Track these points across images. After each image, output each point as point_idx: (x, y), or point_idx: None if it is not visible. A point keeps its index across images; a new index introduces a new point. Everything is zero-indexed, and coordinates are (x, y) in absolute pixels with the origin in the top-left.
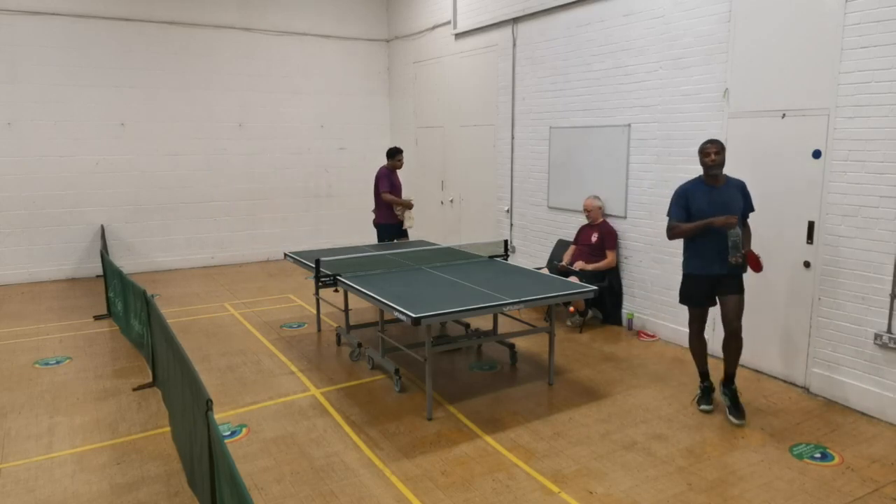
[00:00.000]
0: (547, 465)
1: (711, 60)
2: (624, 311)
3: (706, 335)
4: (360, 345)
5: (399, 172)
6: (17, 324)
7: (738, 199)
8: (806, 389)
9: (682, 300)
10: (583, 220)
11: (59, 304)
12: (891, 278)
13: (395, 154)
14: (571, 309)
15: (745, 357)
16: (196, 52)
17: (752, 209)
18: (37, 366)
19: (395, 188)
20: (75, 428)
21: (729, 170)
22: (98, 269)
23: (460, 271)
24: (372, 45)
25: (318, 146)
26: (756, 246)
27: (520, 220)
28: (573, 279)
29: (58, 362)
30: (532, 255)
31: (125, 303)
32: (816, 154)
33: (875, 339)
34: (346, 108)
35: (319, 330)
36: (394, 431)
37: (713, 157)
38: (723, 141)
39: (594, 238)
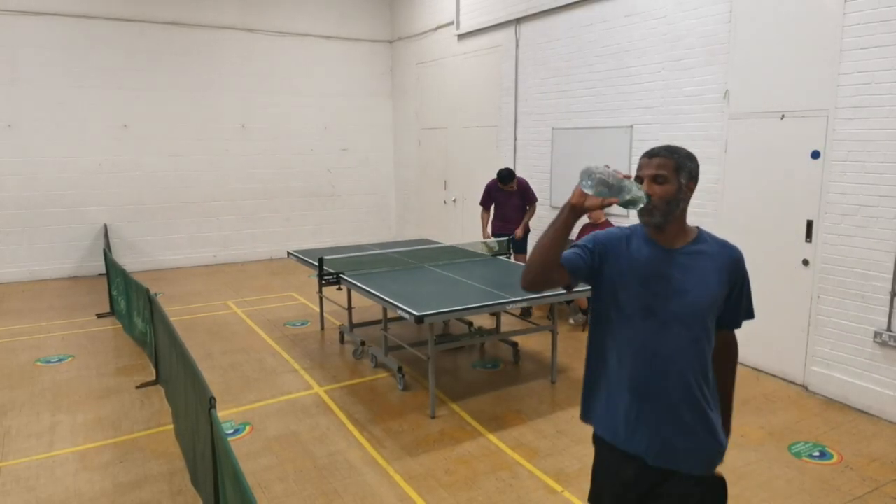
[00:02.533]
0: (550, 463)
1: (713, 61)
2: None
3: None
4: (363, 343)
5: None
6: (18, 322)
7: (709, 282)
8: (805, 388)
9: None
10: (585, 219)
11: (61, 302)
12: (891, 276)
13: (506, 180)
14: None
15: (744, 355)
16: (198, 53)
17: (748, 314)
18: (38, 364)
19: (496, 204)
20: (77, 426)
21: (728, 170)
22: (100, 267)
23: (463, 270)
24: (375, 46)
25: (321, 147)
26: (753, 243)
27: None
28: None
29: (60, 360)
30: None
31: (128, 301)
32: (815, 155)
33: (875, 336)
34: (349, 109)
35: (322, 328)
36: (397, 430)
37: (653, 187)
38: (723, 142)
39: None
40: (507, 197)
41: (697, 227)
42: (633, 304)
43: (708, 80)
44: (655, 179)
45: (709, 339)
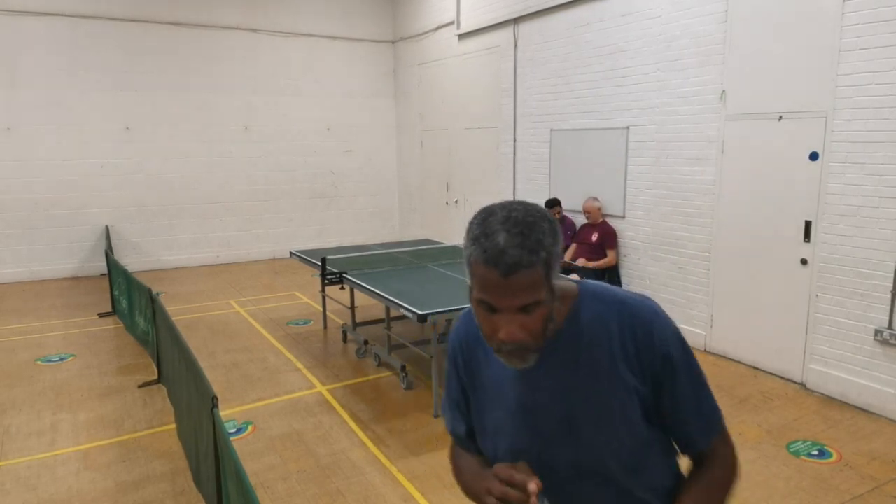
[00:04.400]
0: None
1: (708, 62)
2: None
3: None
4: (366, 342)
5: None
6: (19, 321)
7: (611, 389)
8: (803, 385)
9: None
10: (584, 220)
11: (63, 302)
12: (891, 275)
13: (547, 206)
14: None
15: (742, 353)
16: (201, 54)
17: (711, 426)
18: (39, 363)
19: None
20: (79, 425)
21: (725, 171)
22: (102, 267)
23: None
24: (378, 47)
25: (325, 148)
26: (750, 243)
27: None
28: (575, 276)
29: (61, 359)
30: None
31: (130, 300)
32: (813, 156)
33: (875, 335)
34: (352, 110)
35: (325, 327)
36: (400, 429)
37: (522, 322)
38: (720, 143)
39: (594, 237)
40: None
41: (575, 285)
42: (509, 439)
43: (704, 81)
44: (522, 310)
45: (652, 485)
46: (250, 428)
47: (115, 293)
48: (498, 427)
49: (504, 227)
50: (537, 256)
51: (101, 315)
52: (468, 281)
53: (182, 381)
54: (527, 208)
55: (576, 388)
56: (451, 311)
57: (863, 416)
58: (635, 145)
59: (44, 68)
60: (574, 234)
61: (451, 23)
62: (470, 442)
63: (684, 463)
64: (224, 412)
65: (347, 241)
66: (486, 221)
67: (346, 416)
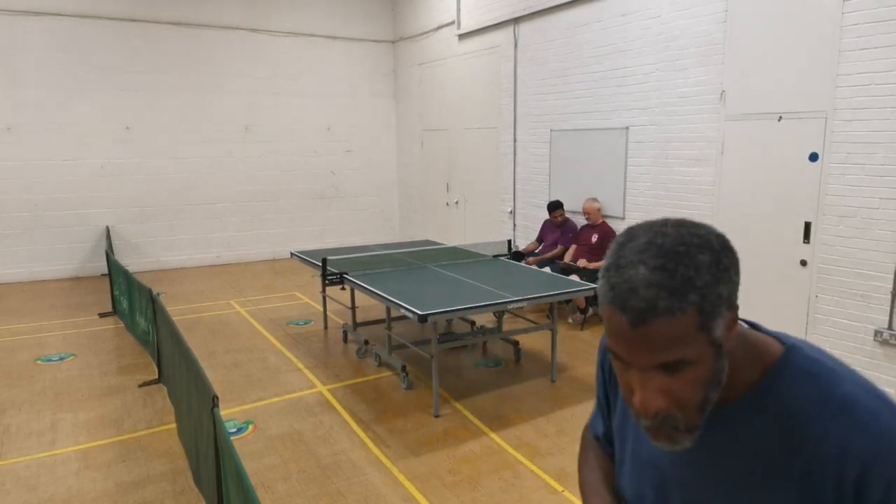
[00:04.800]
0: (551, 462)
1: (707, 62)
2: None
3: None
4: (366, 342)
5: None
6: (18, 321)
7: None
8: None
9: None
10: (583, 221)
11: (63, 302)
12: (891, 276)
13: (550, 208)
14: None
15: None
16: (202, 54)
17: None
18: (39, 362)
19: (544, 244)
20: (79, 425)
21: (725, 172)
22: (102, 268)
23: (465, 270)
24: (378, 47)
25: (325, 148)
26: (749, 244)
27: (522, 220)
28: (574, 277)
29: (61, 359)
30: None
31: (130, 300)
32: (813, 157)
33: (875, 335)
34: (352, 110)
35: (326, 327)
36: (401, 429)
37: (666, 384)
38: (720, 144)
39: (594, 238)
40: (556, 231)
41: (780, 345)
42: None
43: (703, 81)
44: (665, 369)
45: None
46: (251, 428)
47: (116, 293)
48: (622, 459)
49: (641, 258)
50: (684, 301)
51: (102, 315)
52: None
53: (182, 380)
54: (681, 232)
55: (725, 487)
56: (451, 311)
57: None
58: (635, 145)
59: (44, 68)
60: (574, 235)
61: (452, 23)
62: (605, 443)
63: None
64: (224, 412)
65: (348, 242)
66: (623, 248)
67: (346, 416)
